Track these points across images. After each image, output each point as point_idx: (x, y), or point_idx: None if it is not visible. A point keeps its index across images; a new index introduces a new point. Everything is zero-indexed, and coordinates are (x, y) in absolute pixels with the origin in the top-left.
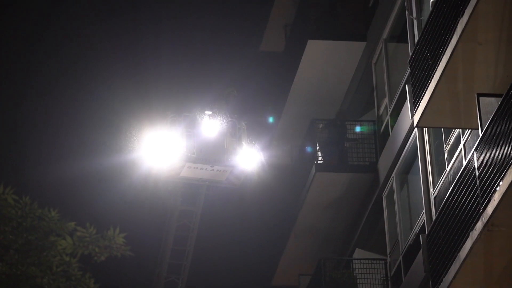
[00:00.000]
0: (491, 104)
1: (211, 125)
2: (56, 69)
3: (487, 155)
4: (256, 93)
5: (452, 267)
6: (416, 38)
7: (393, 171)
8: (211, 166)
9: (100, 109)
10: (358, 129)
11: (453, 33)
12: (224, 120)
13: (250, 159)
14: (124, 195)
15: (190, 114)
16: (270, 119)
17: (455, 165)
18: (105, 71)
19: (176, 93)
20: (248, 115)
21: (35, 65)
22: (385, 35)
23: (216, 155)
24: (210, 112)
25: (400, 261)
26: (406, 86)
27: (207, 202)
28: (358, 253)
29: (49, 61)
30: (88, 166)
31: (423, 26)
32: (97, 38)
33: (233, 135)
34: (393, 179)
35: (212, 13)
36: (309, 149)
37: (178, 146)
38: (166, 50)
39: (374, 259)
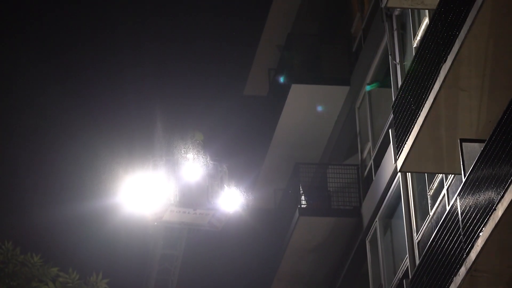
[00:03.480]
0: (474, 150)
1: (193, 168)
2: (37, 114)
3: (470, 200)
4: (240, 137)
5: None
6: (399, 83)
7: (376, 215)
8: (193, 210)
9: (83, 154)
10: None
11: (436, 79)
12: (206, 163)
13: (232, 202)
14: (107, 240)
15: (172, 158)
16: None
17: (439, 210)
18: (87, 115)
19: (158, 137)
20: (231, 159)
21: (16, 110)
22: (368, 79)
23: (198, 198)
24: (192, 156)
25: None
26: (390, 131)
27: (189, 245)
28: None
29: (29, 106)
30: (70, 211)
31: (406, 71)
32: (79, 81)
33: (215, 178)
34: (377, 224)
35: (196, 57)
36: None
37: (160, 190)
38: (149, 94)
39: None
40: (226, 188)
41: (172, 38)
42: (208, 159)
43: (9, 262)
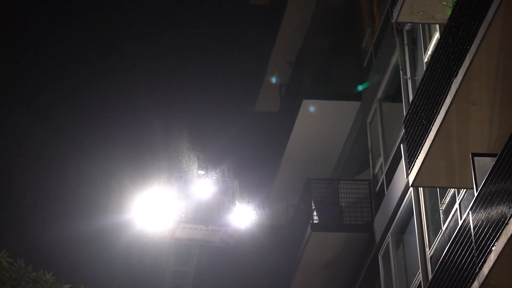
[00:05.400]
0: (485, 164)
1: (205, 185)
2: (49, 132)
3: (482, 215)
4: (251, 153)
5: None
6: (411, 98)
7: (388, 230)
8: (205, 226)
9: (95, 171)
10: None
11: (447, 93)
12: (217, 180)
13: (243, 218)
14: (119, 257)
15: (184, 175)
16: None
17: (451, 224)
18: (99, 133)
19: (170, 154)
20: (243, 175)
21: (29, 126)
22: (379, 94)
23: (210, 215)
24: (203, 172)
25: None
26: (401, 145)
27: (200, 262)
28: None
29: (41, 124)
30: (82, 228)
31: (417, 86)
32: (90, 99)
33: (227, 195)
34: (389, 239)
35: (207, 74)
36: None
37: (172, 207)
38: (161, 111)
39: None
40: (237, 204)
41: (182, 55)
42: (219, 175)
43: (21, 279)
